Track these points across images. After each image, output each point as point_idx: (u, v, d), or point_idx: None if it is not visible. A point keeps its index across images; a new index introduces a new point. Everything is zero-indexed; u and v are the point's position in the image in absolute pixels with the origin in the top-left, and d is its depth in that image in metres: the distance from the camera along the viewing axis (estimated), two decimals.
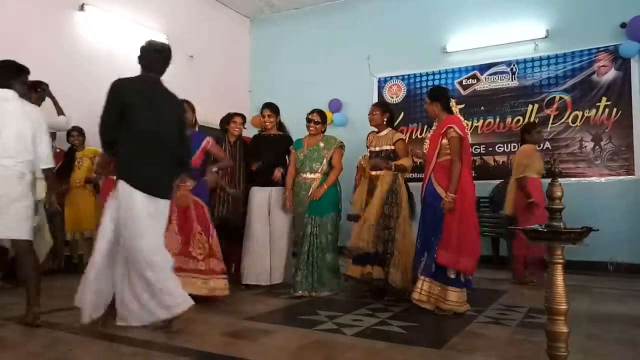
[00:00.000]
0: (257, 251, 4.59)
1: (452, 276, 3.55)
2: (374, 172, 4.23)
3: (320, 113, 4.62)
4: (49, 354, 2.58)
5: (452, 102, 3.88)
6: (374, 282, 4.09)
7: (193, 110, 4.29)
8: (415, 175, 6.10)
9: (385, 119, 4.36)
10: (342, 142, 4.59)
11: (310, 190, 4.42)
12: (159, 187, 3.08)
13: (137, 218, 2.94)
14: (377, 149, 4.32)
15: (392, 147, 4.25)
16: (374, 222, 4.01)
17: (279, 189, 4.70)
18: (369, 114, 4.46)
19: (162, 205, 3.10)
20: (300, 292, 4.23)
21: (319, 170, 4.46)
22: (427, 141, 3.87)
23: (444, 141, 3.66)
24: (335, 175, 4.47)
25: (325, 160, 4.47)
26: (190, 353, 2.57)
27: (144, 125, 3.02)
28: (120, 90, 3.05)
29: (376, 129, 4.46)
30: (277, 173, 4.66)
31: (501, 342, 2.89)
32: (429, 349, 2.71)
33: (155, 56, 3.23)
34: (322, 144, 4.51)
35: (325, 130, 4.66)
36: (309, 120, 4.56)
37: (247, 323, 3.25)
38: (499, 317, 3.49)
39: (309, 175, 4.48)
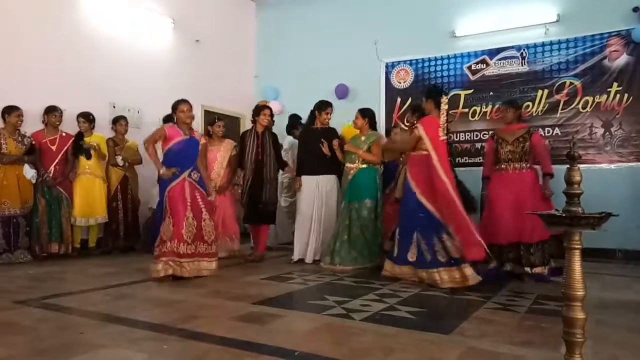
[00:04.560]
0: (308, 231, 5.16)
1: (457, 255, 3.94)
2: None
3: (362, 111, 5.05)
4: (59, 337, 2.59)
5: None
6: None
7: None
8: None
9: (414, 120, 4.76)
10: (381, 135, 5.01)
11: (349, 177, 4.93)
12: None
13: None
14: None
15: None
16: None
17: (325, 176, 5.20)
18: None
19: None
20: (333, 265, 4.75)
21: (357, 161, 4.95)
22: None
23: None
24: (369, 157, 4.92)
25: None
26: (200, 337, 2.58)
27: None
28: None
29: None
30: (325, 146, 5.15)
31: (510, 328, 2.88)
32: (438, 334, 2.70)
33: None
34: (363, 138, 4.99)
35: (374, 126, 5.09)
36: (354, 123, 5.06)
37: (257, 307, 3.26)
38: (508, 303, 3.48)
39: (349, 165, 5.01)
